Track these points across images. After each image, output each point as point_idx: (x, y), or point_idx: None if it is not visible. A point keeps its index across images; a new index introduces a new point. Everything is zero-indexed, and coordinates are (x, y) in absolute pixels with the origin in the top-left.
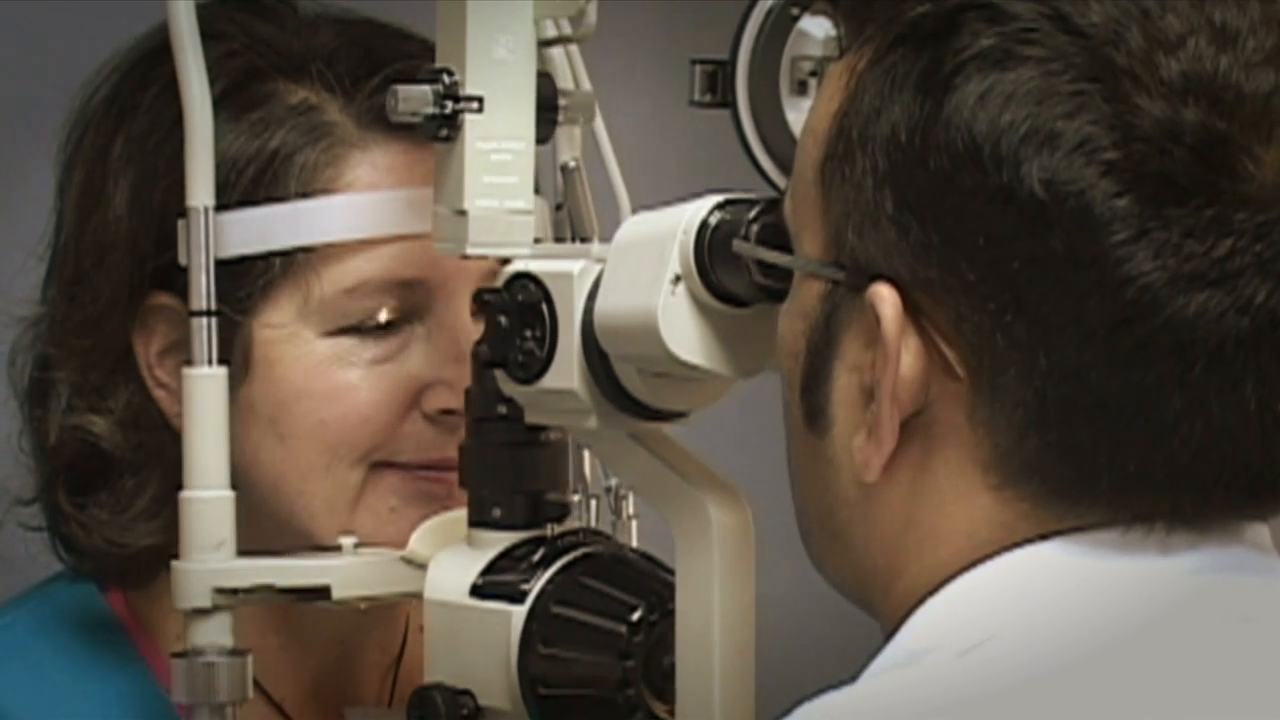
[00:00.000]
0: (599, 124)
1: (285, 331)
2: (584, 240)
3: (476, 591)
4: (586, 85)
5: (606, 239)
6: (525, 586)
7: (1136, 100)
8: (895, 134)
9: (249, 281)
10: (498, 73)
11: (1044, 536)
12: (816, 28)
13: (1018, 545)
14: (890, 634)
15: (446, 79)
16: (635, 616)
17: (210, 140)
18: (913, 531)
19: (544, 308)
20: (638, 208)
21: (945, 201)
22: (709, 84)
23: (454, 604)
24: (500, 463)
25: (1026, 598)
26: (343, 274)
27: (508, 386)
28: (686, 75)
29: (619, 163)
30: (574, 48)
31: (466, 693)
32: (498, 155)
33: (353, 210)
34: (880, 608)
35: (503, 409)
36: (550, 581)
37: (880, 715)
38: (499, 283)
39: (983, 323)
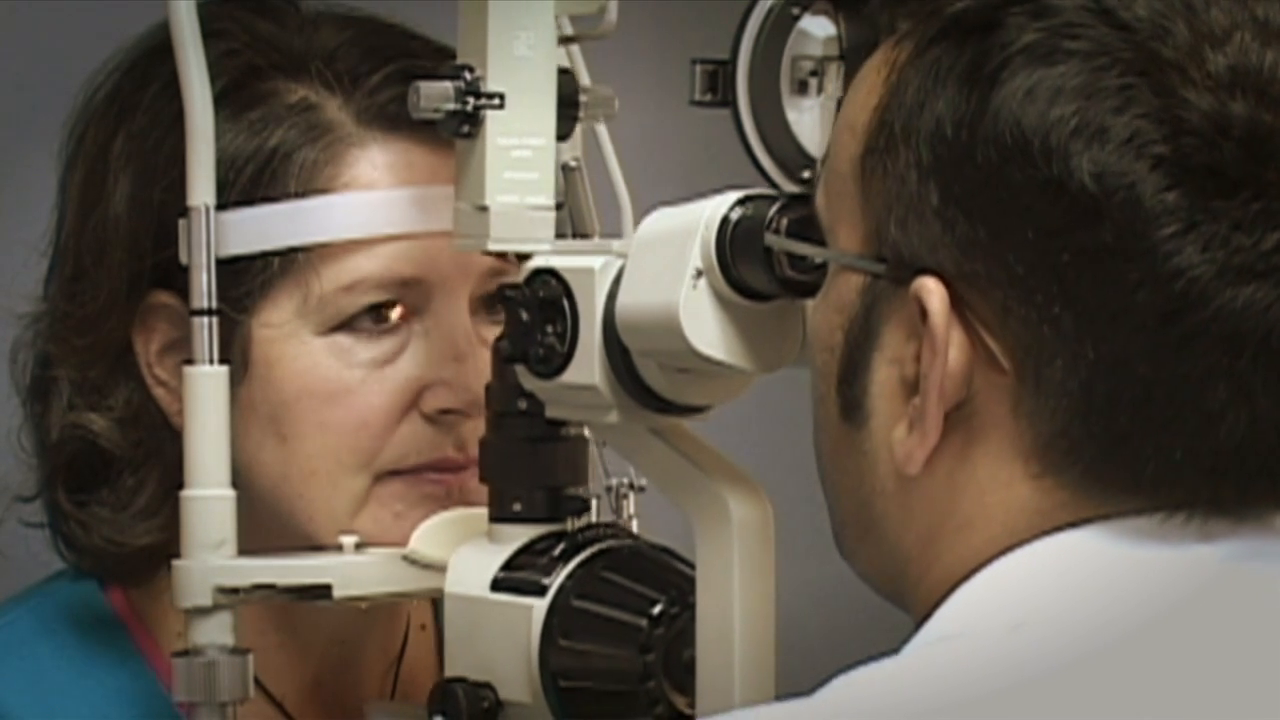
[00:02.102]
0: (600, 124)
1: (284, 330)
2: (584, 239)
3: (497, 586)
4: (587, 83)
5: (607, 238)
6: (546, 580)
7: (1184, 94)
8: (940, 128)
9: (248, 280)
10: (519, 70)
11: (1080, 523)
12: (817, 27)
13: (1054, 531)
14: (921, 621)
15: (468, 76)
16: (656, 610)
17: (211, 139)
18: (949, 521)
19: (565, 303)
20: (638, 207)
21: (993, 195)
22: (709, 84)
23: (475, 598)
24: (520, 457)
25: (1062, 582)
26: (341, 272)
27: (528, 381)
28: (686, 75)
29: (620, 162)
30: (575, 47)
31: (487, 686)
32: (518, 151)
33: (351, 209)
34: (913, 597)
35: (523, 404)
36: (571, 575)
37: (911, 693)
38: (520, 278)
39: (1030, 315)
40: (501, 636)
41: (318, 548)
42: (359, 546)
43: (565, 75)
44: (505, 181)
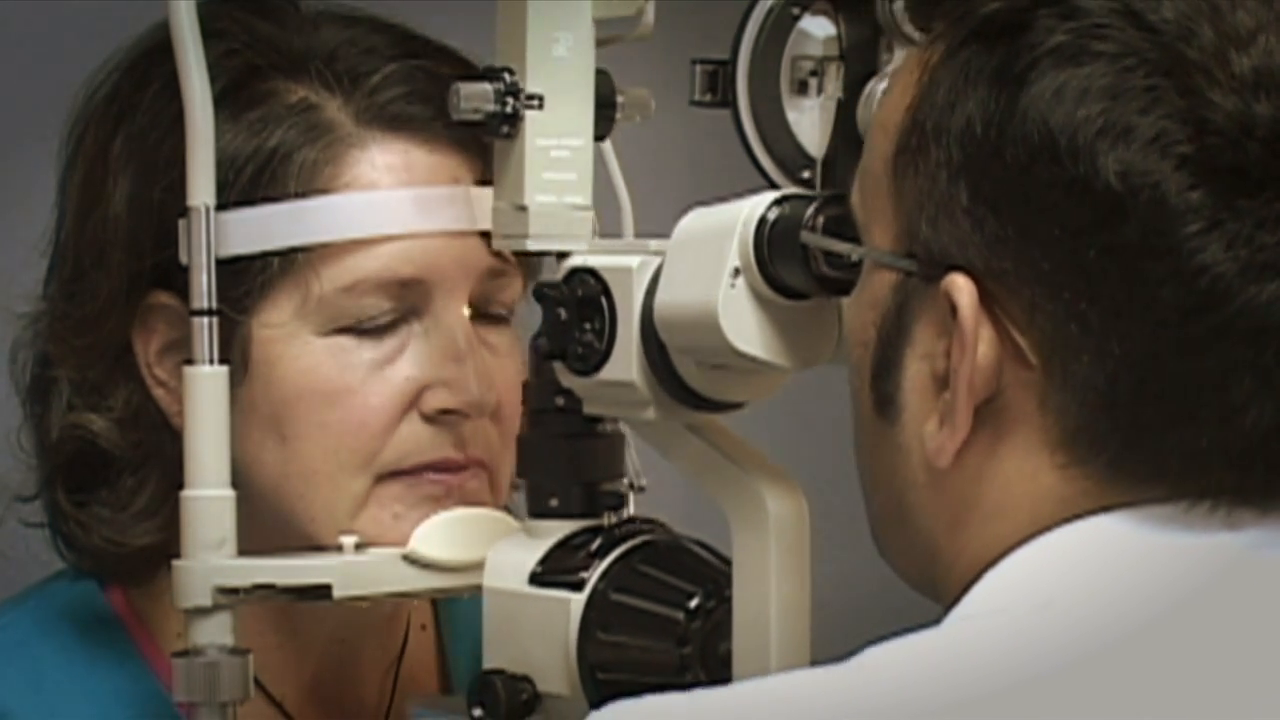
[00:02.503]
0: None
1: (284, 331)
2: None
3: (536, 580)
4: None
5: (607, 237)
6: (584, 574)
7: (1209, 95)
8: (970, 127)
9: (248, 280)
10: (557, 71)
11: (1105, 509)
12: (817, 27)
13: (1079, 517)
14: (951, 607)
15: (508, 77)
16: (693, 603)
17: (211, 139)
18: (977, 510)
19: (603, 301)
20: (638, 207)
21: (1021, 193)
22: (709, 84)
23: (513, 592)
24: (557, 453)
25: (1088, 564)
26: (341, 272)
27: (567, 378)
28: (686, 75)
29: (620, 162)
30: None
31: (526, 679)
32: (557, 152)
33: (351, 209)
34: (943, 586)
35: (560, 400)
36: (608, 570)
37: (942, 664)
38: (559, 276)
39: (1056, 312)
40: (540, 630)
41: (318, 548)
42: (359, 547)
43: (602, 76)
44: (544, 181)
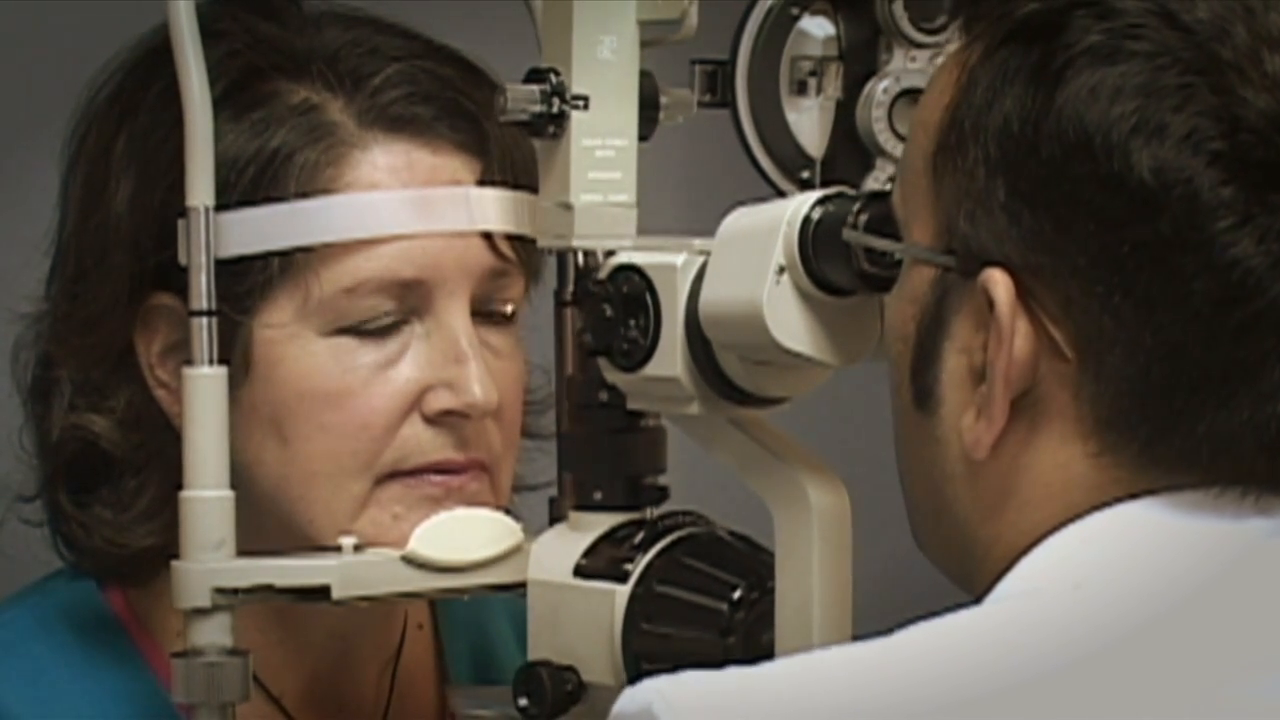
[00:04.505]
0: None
1: (285, 332)
2: None
3: (580, 572)
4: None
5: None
6: (628, 566)
7: (1243, 93)
8: (1008, 125)
9: (249, 281)
10: (602, 73)
11: (1136, 495)
12: (816, 28)
13: (1110, 504)
14: (983, 595)
15: (554, 79)
16: (736, 595)
17: (210, 140)
18: (1013, 500)
19: (648, 298)
20: (638, 207)
21: (1057, 189)
22: (709, 84)
23: (558, 583)
24: (601, 447)
25: (1119, 547)
26: (342, 273)
27: (611, 374)
28: (686, 75)
29: None
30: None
31: (571, 669)
32: (602, 152)
33: (352, 210)
34: (979, 574)
35: (604, 396)
36: (653, 561)
37: (982, 639)
38: (603, 273)
39: (1091, 305)
40: (585, 621)
41: (318, 548)
42: (357, 547)
43: (646, 78)
44: (589, 181)
